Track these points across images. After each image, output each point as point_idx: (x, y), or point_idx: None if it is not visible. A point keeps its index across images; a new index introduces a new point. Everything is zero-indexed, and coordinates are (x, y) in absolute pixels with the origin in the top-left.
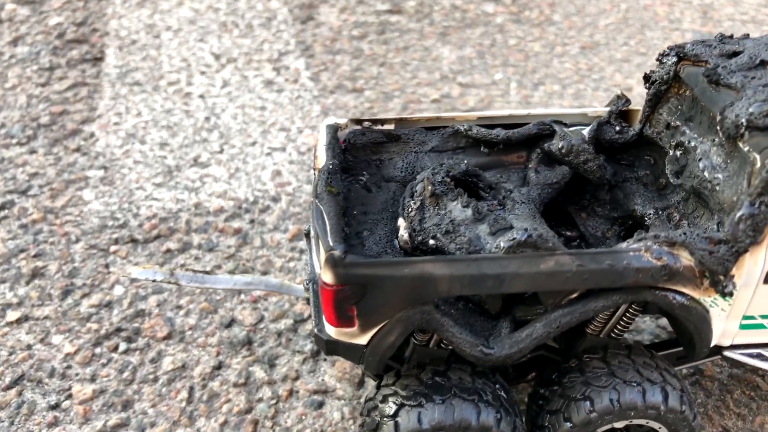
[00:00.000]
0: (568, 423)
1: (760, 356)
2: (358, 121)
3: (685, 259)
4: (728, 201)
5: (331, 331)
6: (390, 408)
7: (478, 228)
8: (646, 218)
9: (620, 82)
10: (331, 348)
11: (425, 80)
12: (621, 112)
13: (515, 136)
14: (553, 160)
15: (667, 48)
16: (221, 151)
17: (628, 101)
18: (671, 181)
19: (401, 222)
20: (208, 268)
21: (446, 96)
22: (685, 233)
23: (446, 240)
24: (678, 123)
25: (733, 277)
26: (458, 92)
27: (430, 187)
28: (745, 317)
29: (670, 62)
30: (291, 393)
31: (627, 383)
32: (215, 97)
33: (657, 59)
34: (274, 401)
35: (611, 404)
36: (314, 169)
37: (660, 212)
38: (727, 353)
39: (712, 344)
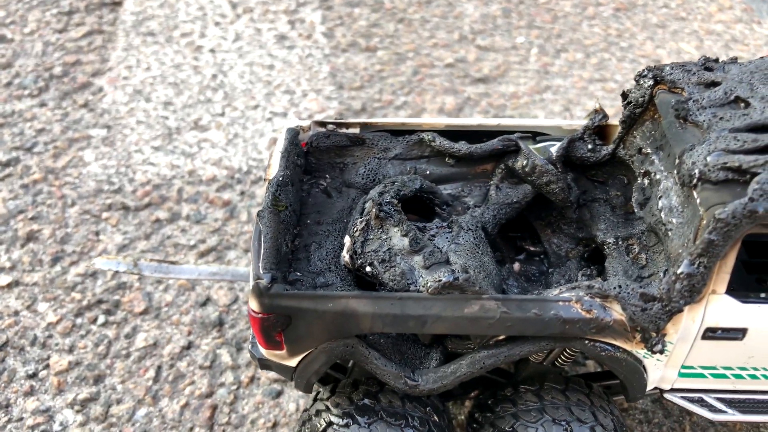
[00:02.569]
0: None
1: (701, 401)
2: (323, 124)
3: (617, 313)
4: (675, 251)
5: (263, 351)
6: (320, 424)
7: (414, 260)
8: (606, 247)
9: (649, 52)
10: (264, 365)
11: (442, 41)
12: (597, 128)
13: (477, 151)
14: (517, 177)
15: (646, 68)
16: (222, 114)
17: (605, 117)
18: (635, 210)
19: (347, 240)
20: (192, 243)
21: (461, 60)
22: (620, 286)
23: (382, 269)
24: (649, 150)
25: (664, 335)
26: (474, 56)
27: (374, 210)
28: (684, 366)
29: (646, 84)
30: (252, 380)
31: (555, 421)
32: (225, 52)
33: (635, 78)
34: (235, 387)
35: None
36: (265, 180)
37: (620, 242)
38: (667, 396)
39: (649, 389)
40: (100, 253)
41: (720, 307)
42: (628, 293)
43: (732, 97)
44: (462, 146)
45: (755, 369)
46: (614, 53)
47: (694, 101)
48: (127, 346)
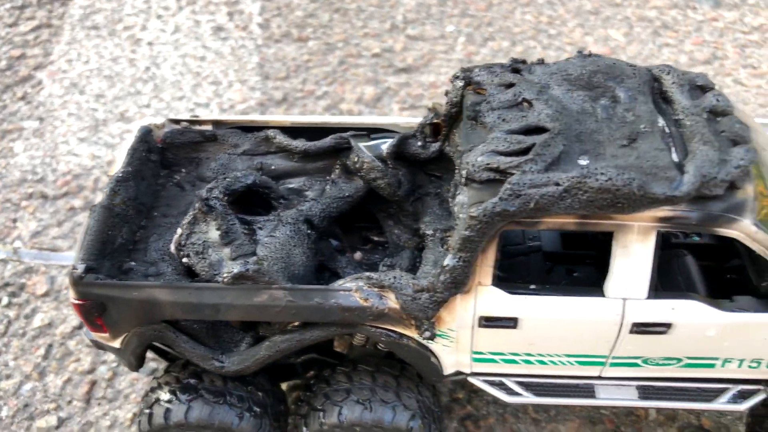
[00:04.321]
0: (306, 428)
1: (501, 384)
2: (177, 121)
3: (392, 302)
4: (452, 245)
5: (91, 333)
6: (151, 400)
7: (224, 251)
8: (426, 238)
9: (577, 39)
10: (98, 345)
11: (374, 30)
12: (431, 125)
13: (312, 149)
14: (350, 172)
15: (460, 70)
16: (148, 106)
17: (437, 115)
18: (450, 204)
19: (177, 232)
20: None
21: (388, 50)
22: (395, 276)
23: (196, 260)
24: (462, 148)
25: (434, 323)
26: (402, 46)
27: (197, 204)
28: (475, 352)
29: (458, 86)
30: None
31: (358, 402)
32: (162, 45)
33: (450, 80)
34: (115, 364)
35: (338, 419)
36: (108, 175)
37: (438, 234)
38: (470, 379)
39: (449, 372)
40: (14, 239)
41: (489, 297)
42: (401, 283)
43: (520, 99)
44: (299, 143)
45: (540, 355)
46: (541, 41)
47: (486, 103)
48: (24, 325)
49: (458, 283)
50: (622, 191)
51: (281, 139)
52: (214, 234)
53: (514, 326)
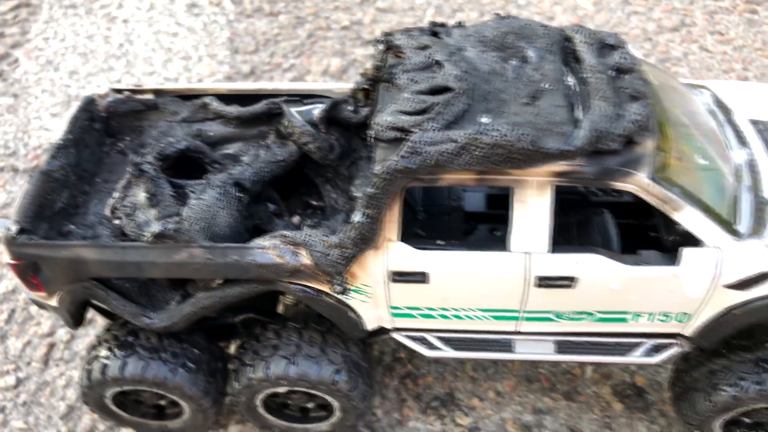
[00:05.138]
0: (237, 383)
1: (423, 339)
2: (119, 91)
3: (306, 258)
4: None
5: (30, 293)
6: (91, 356)
7: (150, 213)
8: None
9: (546, 9)
10: (39, 304)
11: (344, 4)
12: (363, 90)
13: (245, 114)
14: (283, 137)
15: (382, 34)
16: (120, 81)
17: (368, 80)
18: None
19: (114, 196)
20: None
21: (357, 23)
22: (308, 234)
23: (126, 221)
24: (376, 109)
25: (345, 278)
26: (370, 18)
27: (130, 168)
28: (393, 307)
29: (380, 50)
30: (90, 321)
31: (284, 357)
32: (137, 22)
33: (373, 44)
34: None
35: (265, 374)
36: (50, 143)
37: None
38: (393, 335)
39: (371, 327)
40: None
41: (398, 253)
42: (314, 240)
43: (432, 61)
44: (233, 109)
45: (455, 309)
46: (510, 11)
47: (401, 65)
48: None
49: (366, 239)
50: (515, 146)
51: (216, 105)
52: (142, 196)
53: (425, 281)
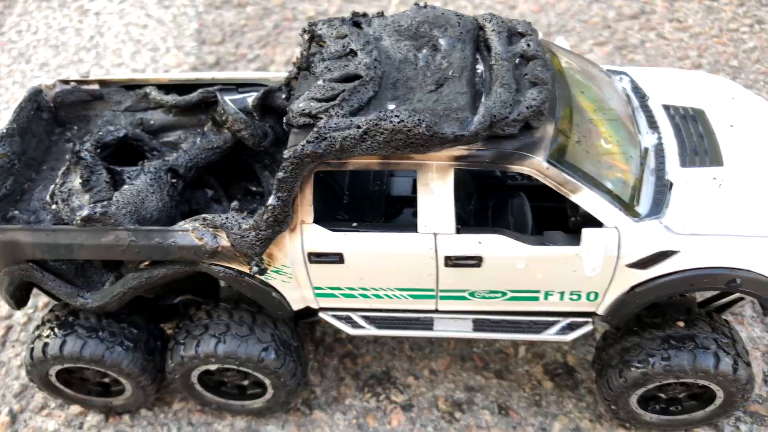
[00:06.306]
0: (171, 361)
1: (348, 318)
2: (66, 82)
3: (225, 240)
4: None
5: None
6: (35, 335)
7: (85, 198)
8: None
9: None
10: None
11: None
12: (296, 78)
13: (182, 103)
14: (219, 125)
15: (308, 23)
16: (88, 73)
17: (297, 69)
18: None
19: (57, 182)
20: None
21: (322, 13)
22: (227, 217)
23: (63, 206)
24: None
25: (262, 259)
26: (336, 9)
27: (68, 156)
28: (316, 288)
29: (305, 39)
30: (47, 305)
31: (213, 336)
32: (108, 14)
33: (300, 34)
34: (31, 310)
35: (195, 352)
36: None
37: None
38: (321, 314)
39: (298, 307)
40: None
41: (313, 235)
42: (232, 223)
43: (348, 50)
44: (170, 98)
45: (374, 289)
46: (472, 0)
47: (319, 54)
48: None
49: (280, 221)
50: (413, 131)
51: (155, 95)
52: (77, 182)
53: (341, 261)
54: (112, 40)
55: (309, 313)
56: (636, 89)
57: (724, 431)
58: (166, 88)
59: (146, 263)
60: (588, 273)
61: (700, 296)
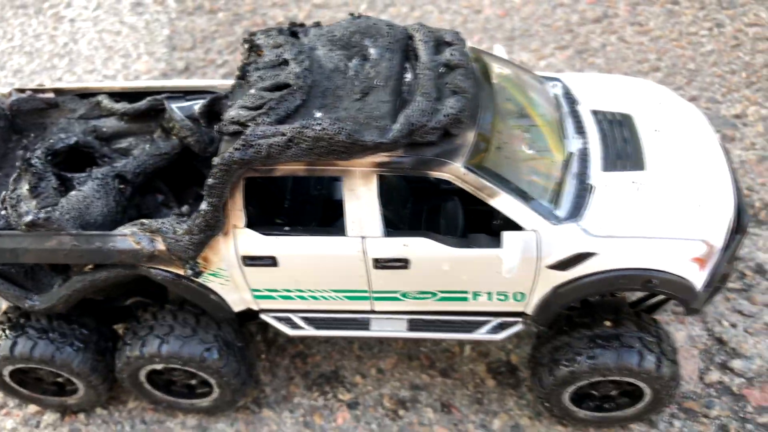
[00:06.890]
0: (118, 361)
1: (288, 320)
2: (22, 90)
3: (161, 244)
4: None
5: None
6: None
7: (32, 203)
8: None
9: (474, 3)
10: None
11: (281, 0)
12: None
13: (130, 111)
14: (169, 132)
15: (248, 33)
16: (60, 79)
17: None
18: None
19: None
20: None
21: (292, 19)
22: (163, 222)
23: (12, 212)
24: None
25: (197, 263)
26: (305, 15)
27: (18, 163)
28: (253, 289)
29: (244, 49)
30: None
31: (157, 336)
32: (83, 21)
33: (241, 43)
34: None
35: (140, 352)
36: None
37: None
38: (262, 316)
39: (238, 309)
40: None
41: (245, 239)
42: (168, 228)
43: (281, 59)
44: (120, 106)
45: (310, 291)
46: (439, 5)
47: (254, 63)
48: None
49: (211, 225)
50: (334, 139)
51: (107, 102)
52: (25, 188)
53: (275, 264)
54: (86, 47)
55: (253, 314)
56: (567, 95)
57: (659, 427)
58: (120, 95)
59: (90, 266)
60: (505, 274)
61: (633, 296)
